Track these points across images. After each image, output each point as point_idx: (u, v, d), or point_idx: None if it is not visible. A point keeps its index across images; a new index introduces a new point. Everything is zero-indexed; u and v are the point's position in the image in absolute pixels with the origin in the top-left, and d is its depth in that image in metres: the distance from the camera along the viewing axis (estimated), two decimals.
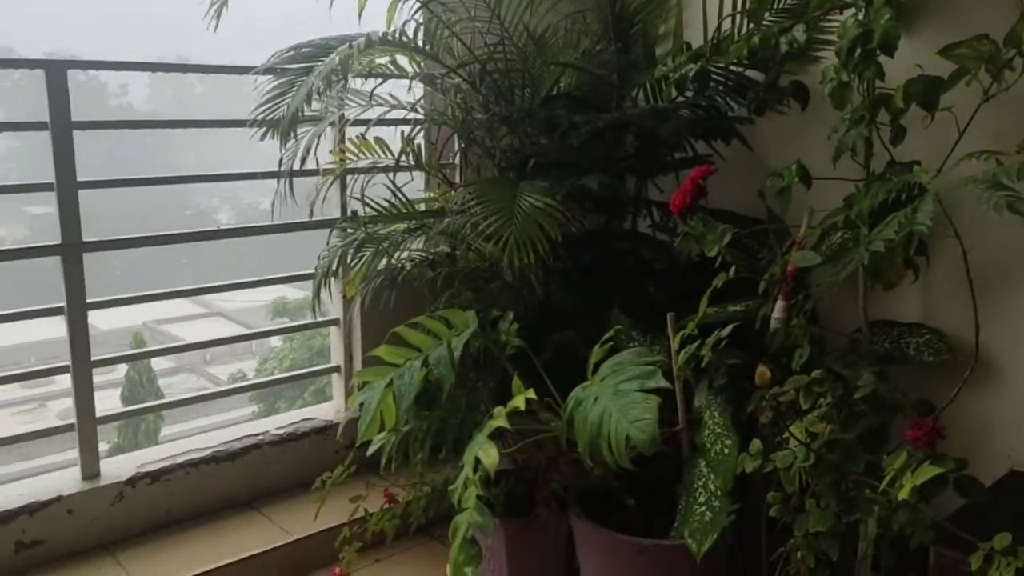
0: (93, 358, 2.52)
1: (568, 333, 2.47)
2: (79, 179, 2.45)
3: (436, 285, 2.73)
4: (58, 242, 2.44)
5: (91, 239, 2.48)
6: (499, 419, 1.86)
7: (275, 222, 2.72)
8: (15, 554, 2.35)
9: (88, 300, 2.49)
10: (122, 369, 9.58)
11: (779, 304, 2.09)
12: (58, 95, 2.41)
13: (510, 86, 2.74)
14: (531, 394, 1.91)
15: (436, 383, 2.20)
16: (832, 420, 1.74)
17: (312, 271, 2.66)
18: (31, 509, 2.38)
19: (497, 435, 1.92)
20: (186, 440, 2.83)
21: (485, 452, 1.79)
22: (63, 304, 2.46)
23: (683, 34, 2.74)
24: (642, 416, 1.70)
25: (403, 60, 2.77)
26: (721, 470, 1.95)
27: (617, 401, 1.77)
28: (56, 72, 2.41)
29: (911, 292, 2.29)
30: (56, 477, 2.54)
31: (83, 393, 2.51)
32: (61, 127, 2.41)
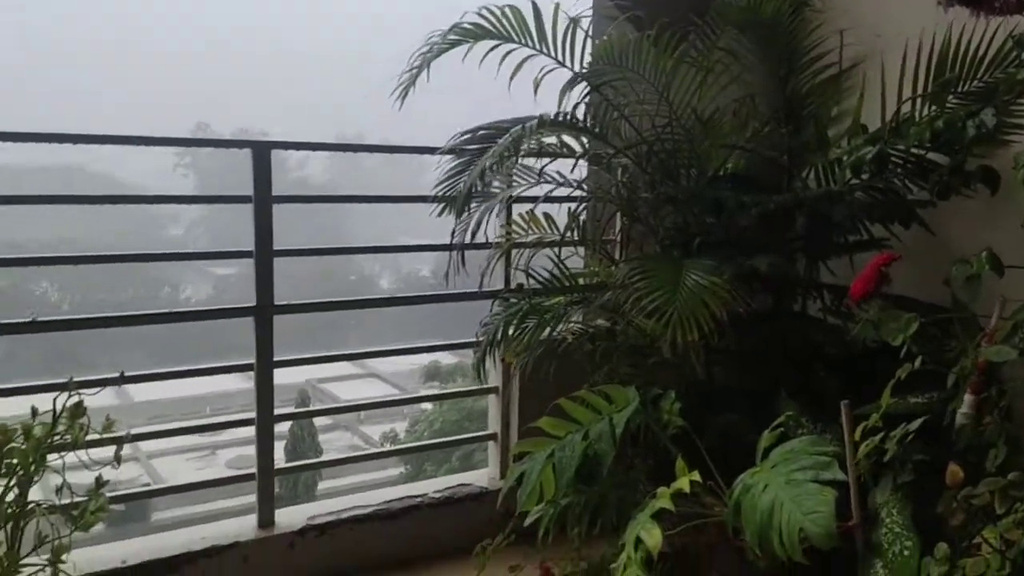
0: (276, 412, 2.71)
1: (732, 416, 2.42)
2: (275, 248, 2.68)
3: (595, 358, 2.76)
4: (252, 304, 2.65)
5: (281, 302, 2.69)
6: (663, 500, 1.85)
7: (439, 291, 2.87)
8: None
9: (275, 359, 2.68)
10: (286, 423, 10.14)
11: (968, 399, 1.96)
12: (262, 172, 2.65)
13: (676, 166, 2.78)
14: (696, 476, 1.89)
15: (596, 458, 2.21)
16: None
17: (469, 339, 2.77)
18: (210, 553, 2.55)
19: (658, 516, 1.90)
20: (349, 497, 2.96)
21: (648, 532, 1.78)
22: (253, 361, 2.66)
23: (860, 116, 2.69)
24: (817, 508, 1.64)
25: (571, 139, 2.87)
26: (900, 573, 1.83)
27: (790, 491, 1.71)
28: (261, 152, 2.66)
29: None
30: (234, 523, 2.71)
31: (265, 445, 2.69)
32: (263, 201, 2.65)
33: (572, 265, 2.96)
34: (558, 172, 2.89)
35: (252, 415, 2.68)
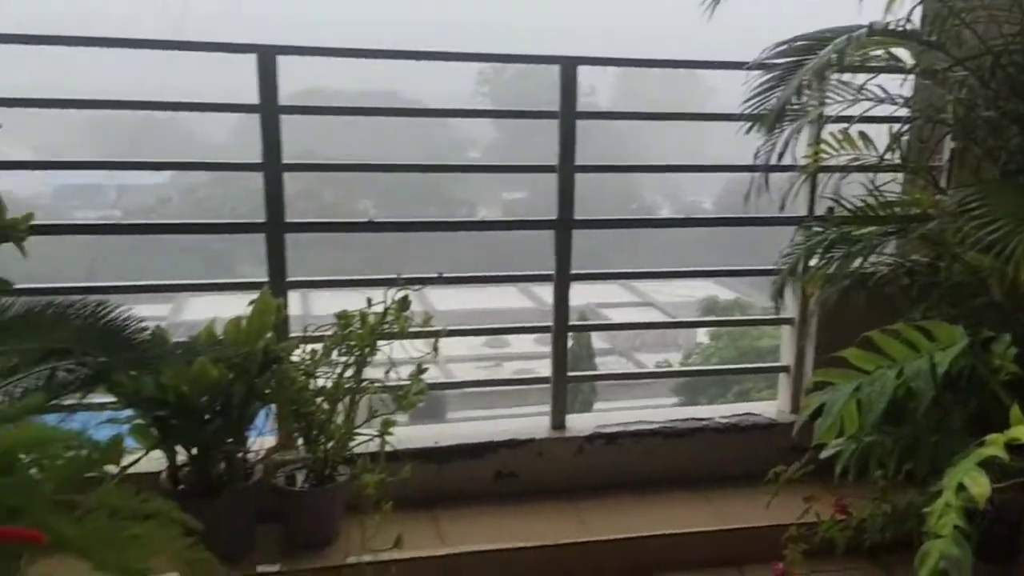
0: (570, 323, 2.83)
1: None
2: (576, 163, 2.74)
3: (910, 295, 2.54)
4: (554, 218, 2.75)
5: (580, 218, 2.76)
6: (994, 447, 1.66)
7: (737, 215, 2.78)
8: (494, 480, 2.76)
9: (572, 271, 2.78)
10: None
11: None
12: (568, 87, 2.71)
13: None
14: None
15: (909, 398, 2.04)
16: None
17: (764, 267, 2.65)
18: (511, 445, 2.77)
19: (984, 465, 1.72)
20: (634, 412, 3.04)
21: (974, 480, 1.62)
22: (552, 272, 2.78)
23: None
24: None
25: (901, 52, 2.59)
26: None
27: None
28: (568, 67, 2.70)
29: None
30: (529, 422, 2.90)
31: (560, 352, 2.84)
32: (568, 116, 2.71)
33: (887, 192, 2.72)
34: (880, 86, 2.64)
35: (548, 324, 2.83)
